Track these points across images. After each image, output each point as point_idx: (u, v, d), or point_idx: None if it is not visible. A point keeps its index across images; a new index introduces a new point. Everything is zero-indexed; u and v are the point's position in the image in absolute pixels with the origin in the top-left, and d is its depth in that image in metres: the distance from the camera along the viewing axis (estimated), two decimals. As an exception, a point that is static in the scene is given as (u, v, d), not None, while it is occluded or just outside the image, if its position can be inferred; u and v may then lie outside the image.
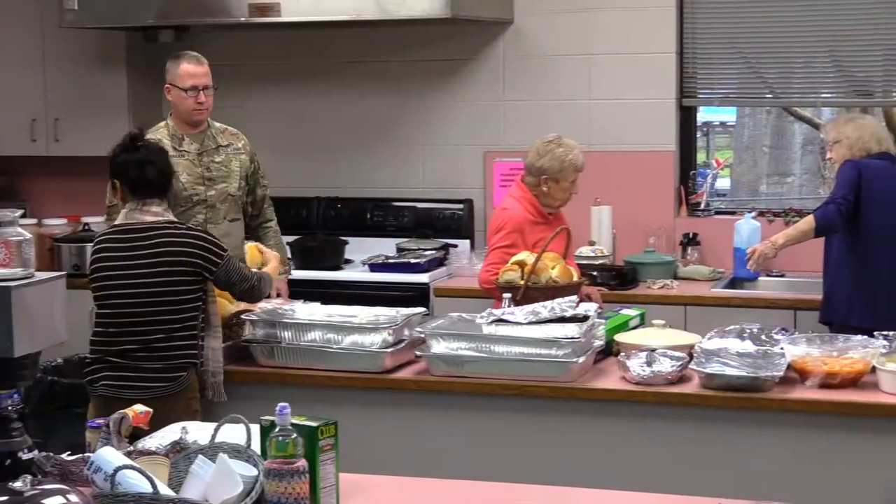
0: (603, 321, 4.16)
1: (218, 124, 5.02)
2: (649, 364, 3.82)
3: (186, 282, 3.91)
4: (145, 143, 4.06)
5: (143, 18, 6.27)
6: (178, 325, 3.91)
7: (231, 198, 4.97)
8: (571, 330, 3.85)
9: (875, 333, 3.95)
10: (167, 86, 4.89)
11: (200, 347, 3.99)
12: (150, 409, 3.06)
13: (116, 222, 4.02)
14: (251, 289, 4.10)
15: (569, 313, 3.92)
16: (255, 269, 4.28)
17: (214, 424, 2.80)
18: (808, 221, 4.99)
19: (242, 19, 6.04)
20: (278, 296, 5.01)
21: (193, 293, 3.94)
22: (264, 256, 4.57)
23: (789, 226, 5.68)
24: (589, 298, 4.76)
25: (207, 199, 4.87)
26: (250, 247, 4.69)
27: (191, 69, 4.85)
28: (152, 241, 3.89)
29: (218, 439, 2.75)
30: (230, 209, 4.98)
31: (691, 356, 3.86)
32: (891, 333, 3.94)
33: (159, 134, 4.87)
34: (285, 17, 5.97)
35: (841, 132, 5.16)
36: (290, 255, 5.60)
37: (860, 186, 4.94)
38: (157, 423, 3.06)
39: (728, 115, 10.68)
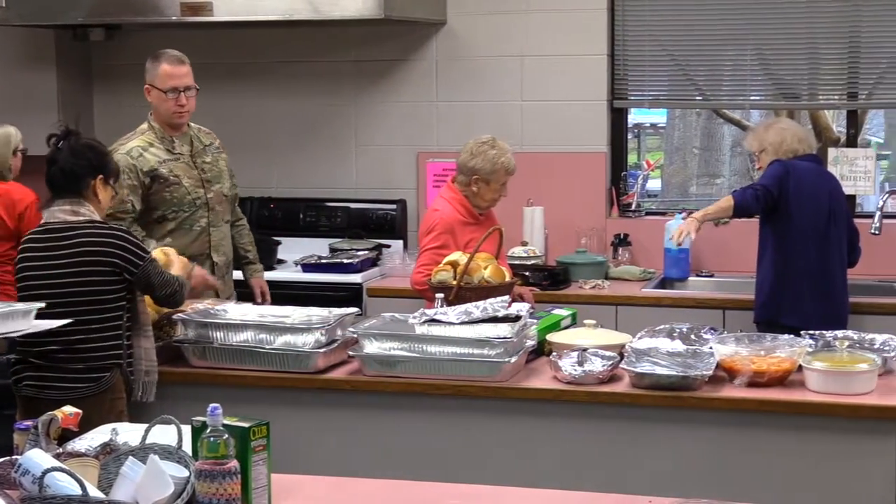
0: (535, 321, 4.18)
1: (194, 124, 4.93)
2: (581, 363, 3.84)
3: (107, 281, 3.86)
4: (68, 141, 3.96)
5: (73, 17, 6.20)
6: (98, 326, 3.86)
7: (225, 198, 4.90)
8: (504, 330, 3.86)
9: (802, 333, 4.02)
10: (147, 87, 4.77)
11: (126, 347, 3.95)
12: (80, 411, 3.03)
13: (43, 220, 3.97)
14: (172, 294, 4.03)
15: (501, 313, 3.93)
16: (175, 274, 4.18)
17: (145, 425, 2.79)
18: (727, 199, 5.09)
19: (174, 18, 6.00)
20: (262, 295, 5.00)
21: (115, 293, 3.89)
22: (168, 259, 4.31)
23: (719, 227, 5.76)
24: (521, 298, 4.79)
25: (208, 201, 4.79)
26: (156, 251, 4.52)
27: (170, 69, 4.74)
28: (72, 241, 3.84)
29: (149, 440, 2.73)
30: (225, 210, 4.92)
31: (622, 356, 3.89)
32: (817, 333, 4.01)
33: (146, 138, 4.75)
34: (217, 17, 5.93)
35: (763, 140, 5.24)
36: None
37: (787, 184, 5.02)
38: (80, 424, 3.03)
39: (658, 116, 10.79)
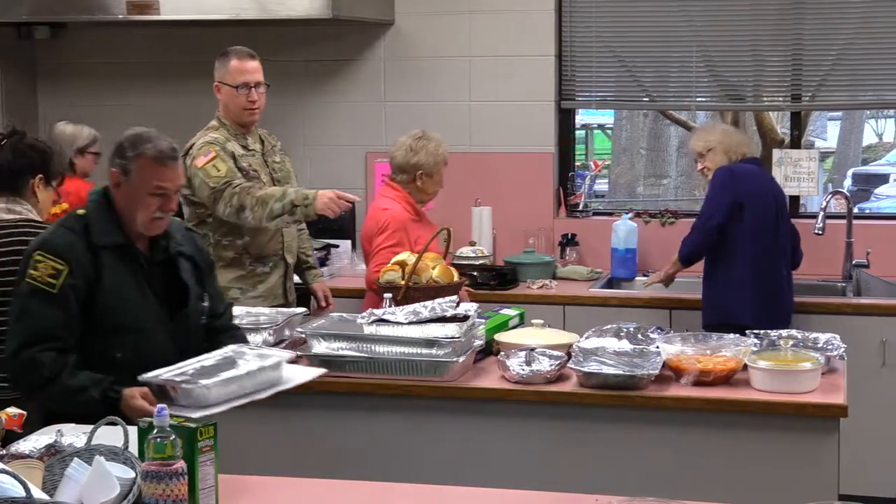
0: (483, 321, 4.19)
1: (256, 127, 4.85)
2: (528, 363, 3.85)
3: None
4: (11, 140, 3.93)
5: (17, 14, 6.14)
6: None
7: None
8: (451, 330, 3.86)
9: (746, 332, 4.06)
10: (216, 84, 4.71)
11: None
12: (24, 413, 3.00)
13: None
14: None
15: (449, 313, 3.94)
16: None
17: (90, 427, 2.76)
18: (673, 258, 5.31)
19: (120, 17, 5.96)
20: (325, 299, 4.99)
21: None
22: None
23: (665, 227, 5.82)
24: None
25: None
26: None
27: (240, 65, 4.68)
28: (5, 240, 3.80)
29: (94, 442, 2.71)
30: None
31: (569, 355, 3.91)
32: (761, 332, 4.05)
33: (219, 134, 4.67)
34: (164, 16, 5.90)
35: (711, 140, 5.28)
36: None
37: (736, 187, 5.08)
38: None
39: (606, 117, 10.86)
